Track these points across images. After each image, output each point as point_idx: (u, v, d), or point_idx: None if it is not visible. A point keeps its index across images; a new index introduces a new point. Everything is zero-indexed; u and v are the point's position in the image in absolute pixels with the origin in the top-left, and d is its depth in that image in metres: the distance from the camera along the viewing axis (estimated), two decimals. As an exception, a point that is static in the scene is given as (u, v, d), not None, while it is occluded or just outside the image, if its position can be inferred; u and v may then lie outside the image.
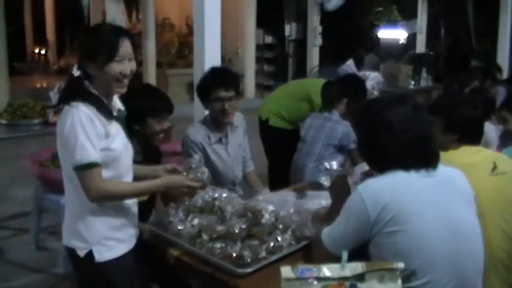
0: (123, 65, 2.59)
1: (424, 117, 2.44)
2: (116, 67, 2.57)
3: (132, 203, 2.82)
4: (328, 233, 2.42)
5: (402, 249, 2.20)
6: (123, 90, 2.67)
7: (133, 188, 2.78)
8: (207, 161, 3.81)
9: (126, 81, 2.64)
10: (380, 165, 2.42)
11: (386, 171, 2.34)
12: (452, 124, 2.96)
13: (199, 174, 2.93)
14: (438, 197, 2.31)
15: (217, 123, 3.95)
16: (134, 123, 3.25)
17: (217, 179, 3.86)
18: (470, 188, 2.45)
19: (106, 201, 2.65)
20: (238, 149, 4.11)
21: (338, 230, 2.38)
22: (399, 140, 2.33)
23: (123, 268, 2.72)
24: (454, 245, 2.25)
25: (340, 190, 2.82)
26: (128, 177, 2.79)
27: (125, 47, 2.59)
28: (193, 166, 3.01)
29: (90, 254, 2.64)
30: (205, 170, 2.99)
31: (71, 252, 2.70)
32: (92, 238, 2.64)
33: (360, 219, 2.27)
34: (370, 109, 2.53)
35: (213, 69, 4.10)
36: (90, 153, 2.49)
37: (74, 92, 2.59)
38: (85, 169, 2.50)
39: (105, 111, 2.61)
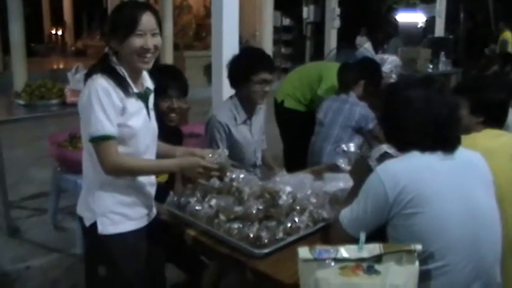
0: (145, 40, 2.57)
1: (448, 99, 2.42)
2: (136, 41, 2.56)
3: (147, 183, 2.82)
4: (346, 215, 2.42)
5: (420, 231, 2.19)
6: (147, 66, 2.66)
7: (148, 165, 2.77)
8: (231, 142, 3.82)
9: (149, 55, 2.62)
10: (399, 143, 2.43)
11: (405, 151, 2.34)
12: (478, 106, 2.94)
13: (216, 156, 2.89)
14: (457, 180, 2.29)
15: (250, 104, 3.94)
16: None
17: (241, 160, 3.86)
18: (489, 172, 2.43)
19: (120, 175, 2.65)
20: (259, 131, 4.11)
21: (357, 212, 2.37)
22: (419, 120, 2.33)
23: (127, 245, 2.72)
24: (473, 228, 2.24)
25: (362, 173, 2.82)
26: (148, 157, 2.78)
27: (147, 21, 2.58)
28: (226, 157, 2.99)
29: (94, 225, 2.66)
30: (225, 151, 2.95)
31: (81, 221, 2.74)
32: (98, 209, 2.66)
33: (379, 200, 2.27)
34: (394, 88, 2.54)
35: (254, 50, 4.11)
36: (105, 125, 2.49)
37: (97, 66, 2.61)
38: (100, 141, 2.51)
39: (124, 85, 2.61)
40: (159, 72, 2.85)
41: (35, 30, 18.41)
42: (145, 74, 2.80)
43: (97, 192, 2.66)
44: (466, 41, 15.81)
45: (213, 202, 2.79)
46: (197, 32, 17.19)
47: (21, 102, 5.50)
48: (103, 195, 2.67)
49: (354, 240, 2.13)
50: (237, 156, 3.79)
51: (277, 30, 17.69)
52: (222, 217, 2.69)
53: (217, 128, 3.85)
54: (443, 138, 2.34)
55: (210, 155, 2.87)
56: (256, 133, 4.06)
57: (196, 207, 2.84)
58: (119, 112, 2.56)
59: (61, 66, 15.23)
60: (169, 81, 3.47)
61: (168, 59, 14.02)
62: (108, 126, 2.50)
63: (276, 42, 17.65)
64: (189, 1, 17.60)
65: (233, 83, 3.98)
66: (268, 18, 16.74)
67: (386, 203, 2.24)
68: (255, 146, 4.05)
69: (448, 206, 2.22)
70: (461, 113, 2.77)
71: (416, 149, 2.32)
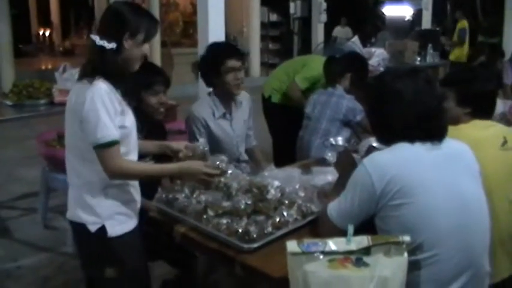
0: (147, 46, 2.71)
1: (434, 90, 2.42)
2: (145, 47, 2.69)
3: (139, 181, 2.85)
4: (334, 208, 2.42)
5: (408, 221, 2.19)
6: (135, 69, 2.74)
7: (151, 170, 2.83)
8: (210, 137, 3.83)
9: (141, 60, 2.74)
10: (387, 136, 2.42)
11: (392, 143, 2.34)
12: (466, 97, 2.94)
13: (218, 162, 2.91)
14: (445, 171, 2.29)
15: (225, 97, 3.96)
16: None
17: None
18: (476, 163, 2.43)
19: (124, 178, 2.69)
20: (242, 125, 4.11)
21: (344, 204, 2.37)
22: (406, 111, 2.32)
23: (131, 243, 2.75)
24: (461, 218, 2.24)
25: (346, 165, 2.83)
26: (135, 153, 2.80)
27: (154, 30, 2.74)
28: (205, 149, 3.04)
29: (102, 229, 2.65)
30: (224, 158, 2.98)
31: (80, 227, 2.69)
32: (104, 213, 2.66)
33: (366, 192, 2.27)
34: (380, 79, 2.54)
35: (216, 43, 4.14)
36: (112, 131, 2.52)
37: (98, 66, 2.58)
38: (107, 147, 2.52)
39: (122, 87, 2.64)
40: (143, 69, 2.86)
41: (23, 31, 18.30)
42: None
43: (100, 195, 2.66)
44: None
45: (202, 198, 2.80)
46: (184, 29, 17.18)
47: (9, 102, 5.47)
48: (108, 197, 2.67)
49: (343, 233, 2.12)
50: (217, 151, 3.77)
51: (264, 26, 17.69)
52: (211, 212, 2.70)
53: (194, 123, 3.88)
54: (432, 129, 2.34)
55: (218, 163, 2.92)
56: (239, 128, 4.07)
57: (185, 203, 2.85)
58: (118, 114, 2.58)
59: (49, 66, 15.13)
60: (155, 77, 3.51)
61: (156, 56, 13.99)
62: (114, 132, 2.53)
63: (263, 38, 17.65)
64: (176, -2, 17.59)
65: (207, 81, 4.01)
66: (255, 14, 16.74)
67: (374, 194, 2.24)
68: (237, 140, 4.07)
69: (436, 197, 2.22)
70: (448, 105, 2.79)
71: (405, 141, 2.31)
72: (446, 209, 2.22)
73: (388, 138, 2.41)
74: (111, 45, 2.57)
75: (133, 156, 2.79)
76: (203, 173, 2.78)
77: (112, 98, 2.54)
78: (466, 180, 2.34)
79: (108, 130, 2.50)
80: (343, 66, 4.83)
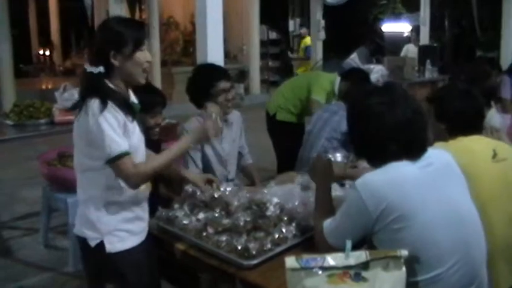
0: (146, 53, 2.69)
1: (408, 103, 2.35)
2: (141, 55, 2.65)
3: (145, 197, 2.85)
4: (328, 227, 2.39)
5: (410, 243, 2.15)
6: (144, 81, 2.74)
7: (165, 158, 2.81)
8: (203, 155, 3.93)
9: (146, 70, 2.72)
10: (369, 156, 2.42)
11: (381, 164, 2.29)
12: (440, 114, 3.00)
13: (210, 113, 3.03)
14: (439, 188, 2.27)
15: None
16: None
17: (210, 173, 3.88)
18: (459, 169, 2.42)
19: (147, 181, 2.75)
20: (232, 145, 4.15)
21: (338, 226, 2.35)
22: (378, 125, 2.30)
23: (133, 260, 2.75)
24: (460, 233, 2.24)
25: (321, 172, 2.76)
26: None
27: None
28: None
29: (101, 245, 2.68)
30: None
31: (82, 241, 2.73)
32: (104, 228, 2.68)
33: (361, 216, 2.23)
34: (352, 99, 2.56)
35: (204, 66, 4.25)
36: (120, 143, 2.54)
37: (95, 90, 2.59)
38: (119, 160, 2.54)
39: (127, 109, 2.66)
40: (144, 90, 2.90)
41: (23, 51, 18.42)
42: (129, 90, 2.82)
43: (101, 211, 2.68)
44: (452, 47, 15.90)
45: (201, 215, 2.82)
46: (185, 48, 17.25)
47: (10, 122, 5.50)
48: (109, 213, 2.69)
49: (341, 250, 2.10)
50: (206, 169, 3.90)
51: (264, 43, 17.72)
52: (210, 230, 2.72)
53: None
54: (409, 141, 2.30)
55: (222, 189, 3.02)
56: (228, 147, 4.11)
57: (185, 221, 2.87)
58: (123, 131, 2.60)
59: (50, 86, 15.18)
60: (155, 98, 3.56)
61: (156, 75, 14.04)
62: (122, 143, 2.55)
63: (263, 55, 17.69)
64: (176, 18, 17.67)
65: (196, 103, 4.02)
66: (254, 32, 16.80)
67: (370, 219, 2.20)
68: (226, 159, 4.09)
69: (435, 215, 2.20)
70: (431, 120, 2.82)
71: (390, 159, 2.28)
72: (445, 225, 2.21)
73: (373, 159, 2.39)
74: (98, 69, 2.60)
75: None
76: (204, 129, 2.90)
77: (112, 112, 2.55)
78: (459, 194, 2.34)
79: (116, 143, 2.52)
80: (351, 87, 4.85)
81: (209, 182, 3.26)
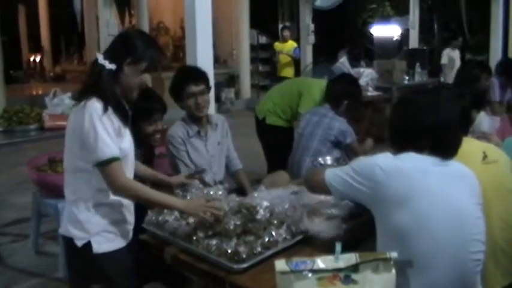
0: (149, 77, 2.75)
1: (455, 107, 2.51)
2: (147, 77, 2.73)
3: (131, 201, 2.85)
4: (333, 170, 2.55)
5: (406, 226, 2.22)
6: (132, 99, 2.78)
7: (155, 196, 2.76)
8: (188, 157, 3.96)
9: (140, 89, 2.76)
10: (401, 140, 2.49)
11: (403, 151, 2.40)
12: None
13: (212, 192, 3.00)
14: (448, 185, 2.32)
15: (195, 118, 4.03)
16: None
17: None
18: (479, 187, 2.45)
19: (127, 196, 2.72)
20: (217, 147, 4.17)
21: (343, 173, 2.47)
22: (423, 115, 2.40)
23: (119, 262, 2.77)
24: (458, 229, 2.26)
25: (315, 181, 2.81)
26: (131, 175, 2.82)
27: (157, 62, 2.77)
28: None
29: (88, 245, 2.69)
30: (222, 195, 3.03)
31: (68, 241, 2.74)
32: (92, 229, 2.69)
33: (368, 180, 2.34)
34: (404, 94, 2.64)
35: (180, 69, 4.36)
36: (112, 148, 2.56)
37: (99, 87, 2.62)
38: (108, 164, 2.55)
39: (122, 114, 2.68)
40: (142, 96, 2.91)
41: (14, 57, 18.33)
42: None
43: (91, 212, 2.69)
44: (442, 51, 15.89)
45: (191, 219, 2.82)
46: (175, 53, 17.23)
47: None
48: (98, 214, 2.70)
49: (326, 194, 2.56)
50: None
51: (254, 48, 17.72)
52: (200, 234, 2.72)
53: (172, 143, 3.97)
54: (445, 142, 2.41)
55: (212, 192, 3.00)
56: (213, 149, 4.13)
57: (174, 225, 2.87)
58: (116, 133, 2.62)
59: (40, 91, 15.12)
60: (153, 105, 3.57)
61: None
62: (114, 149, 2.57)
63: (253, 60, 17.68)
64: (166, 23, 17.65)
65: (177, 104, 4.08)
66: (244, 37, 16.80)
67: (373, 188, 2.31)
68: (211, 160, 4.11)
69: (435, 208, 2.24)
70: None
71: (416, 149, 2.37)
72: (444, 223, 2.24)
73: (401, 144, 2.45)
74: (110, 66, 2.63)
75: (130, 175, 2.82)
76: (206, 206, 2.75)
77: (111, 118, 2.58)
78: (467, 198, 2.36)
79: (108, 147, 2.54)
80: (341, 93, 4.88)
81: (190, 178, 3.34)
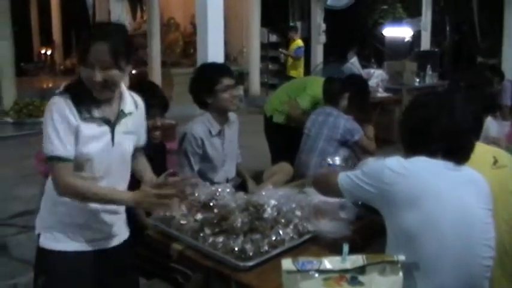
0: (92, 72, 2.47)
1: (471, 111, 2.49)
2: (84, 72, 2.50)
3: (102, 210, 2.70)
4: (345, 174, 2.53)
5: (413, 227, 2.21)
6: (101, 97, 2.57)
7: (101, 193, 2.60)
8: (205, 156, 3.93)
9: (99, 88, 2.52)
10: (414, 143, 2.47)
11: (415, 154, 2.39)
12: None
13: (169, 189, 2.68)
14: (458, 189, 2.31)
15: (222, 114, 4.00)
16: None
17: (212, 173, 3.97)
18: (490, 194, 2.43)
19: (73, 198, 2.57)
20: (230, 145, 4.15)
21: (355, 177, 2.47)
22: (439, 116, 2.38)
23: (67, 264, 2.68)
24: (466, 232, 2.24)
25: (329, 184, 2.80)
26: (108, 181, 2.68)
27: (96, 53, 2.46)
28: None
29: (38, 236, 2.72)
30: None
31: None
32: (44, 223, 2.71)
33: (376, 181, 2.34)
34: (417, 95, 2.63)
35: (207, 64, 4.26)
36: (55, 147, 2.45)
37: (68, 85, 2.58)
38: (51, 162, 2.48)
39: (80, 109, 2.51)
40: (139, 91, 2.87)
41: (25, 49, 18.41)
42: (125, 97, 2.73)
43: (50, 207, 2.68)
44: (453, 53, 15.88)
45: (198, 216, 2.81)
46: (184, 49, 17.25)
47: (9, 120, 5.52)
48: (54, 212, 2.67)
49: (338, 196, 2.62)
50: (208, 169, 3.93)
51: (264, 46, 17.71)
52: (207, 231, 2.71)
53: (191, 144, 3.90)
54: (459, 146, 2.39)
55: (220, 190, 2.96)
56: (228, 147, 4.10)
57: (182, 221, 2.86)
58: (73, 134, 2.50)
59: (50, 85, 15.16)
60: (149, 100, 3.49)
61: (156, 76, 14.03)
62: (59, 149, 2.45)
63: (263, 58, 17.67)
64: (176, 19, 17.66)
65: (200, 103, 4.01)
66: (255, 35, 16.78)
67: (383, 178, 2.31)
68: (225, 158, 4.09)
69: (444, 210, 2.23)
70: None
71: (428, 153, 2.36)
72: (452, 220, 2.23)
73: (412, 147, 2.45)
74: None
75: (112, 185, 2.69)
76: (153, 195, 2.53)
77: (66, 116, 2.47)
78: (476, 203, 2.34)
79: (52, 145, 2.44)
80: (342, 86, 4.88)
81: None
